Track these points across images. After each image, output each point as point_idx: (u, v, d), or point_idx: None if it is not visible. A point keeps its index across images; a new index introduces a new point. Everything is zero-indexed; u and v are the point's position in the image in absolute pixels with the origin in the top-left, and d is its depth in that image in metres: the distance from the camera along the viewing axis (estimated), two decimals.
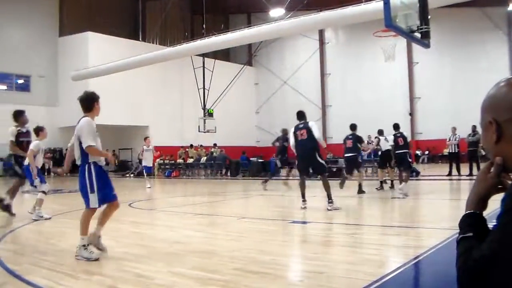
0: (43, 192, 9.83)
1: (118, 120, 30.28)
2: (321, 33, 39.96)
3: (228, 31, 23.05)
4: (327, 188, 10.07)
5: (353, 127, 14.69)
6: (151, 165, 18.92)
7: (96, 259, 5.67)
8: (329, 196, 10.04)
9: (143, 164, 18.95)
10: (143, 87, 32.55)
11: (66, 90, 30.32)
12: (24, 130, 10.39)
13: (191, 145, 31.58)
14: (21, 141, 10.26)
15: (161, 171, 30.06)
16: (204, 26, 30.95)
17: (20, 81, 32.53)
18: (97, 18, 32.89)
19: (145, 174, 18.82)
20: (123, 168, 33.37)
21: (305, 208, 10.17)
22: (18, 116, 10.49)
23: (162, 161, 30.02)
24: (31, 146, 9.82)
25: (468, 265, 1.31)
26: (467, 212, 1.52)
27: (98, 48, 30.52)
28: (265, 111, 43.22)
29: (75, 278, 5.02)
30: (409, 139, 14.61)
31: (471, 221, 1.48)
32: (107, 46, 30.83)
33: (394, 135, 14.10)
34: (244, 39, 21.87)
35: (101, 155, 6.06)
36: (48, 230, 8.66)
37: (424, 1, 7.60)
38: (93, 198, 5.84)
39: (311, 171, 11.05)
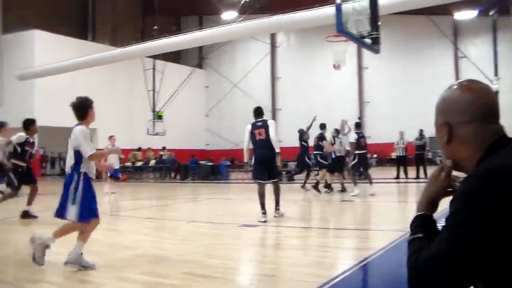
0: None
1: (64, 122, 29.31)
2: (272, 36, 40.15)
3: (180, 33, 22.88)
4: (277, 193, 9.44)
5: (321, 126, 14.95)
6: (117, 167, 17.09)
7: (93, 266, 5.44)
8: (277, 202, 9.42)
9: None
10: (91, 88, 31.62)
11: (11, 90, 29.38)
12: (31, 140, 10.17)
13: (139, 148, 31.20)
14: (25, 150, 10.02)
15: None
16: (155, 27, 30.59)
17: None
18: (44, 16, 32.00)
19: (108, 179, 17.20)
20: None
21: (265, 221, 8.87)
22: (30, 125, 10.21)
23: None
24: None
25: (418, 265, 1.34)
26: (418, 213, 1.56)
27: (45, 47, 29.64)
28: (215, 114, 43.11)
29: (18, 287, 4.86)
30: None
31: (422, 222, 1.52)
32: (55, 45, 30.01)
33: (357, 133, 13.94)
34: (195, 41, 21.69)
35: (104, 157, 5.81)
36: None
37: (375, 8, 7.71)
38: (72, 210, 5.43)
39: (267, 176, 9.34)
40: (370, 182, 14.00)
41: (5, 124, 9.94)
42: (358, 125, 14.37)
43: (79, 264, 5.38)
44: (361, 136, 13.92)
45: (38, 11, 31.97)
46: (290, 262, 5.76)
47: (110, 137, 16.90)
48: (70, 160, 5.66)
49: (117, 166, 16.56)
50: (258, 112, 9.61)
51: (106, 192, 16.23)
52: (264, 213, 9.00)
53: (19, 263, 5.61)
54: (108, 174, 16.96)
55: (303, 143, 16.27)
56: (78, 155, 5.57)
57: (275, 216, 9.28)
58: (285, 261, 5.91)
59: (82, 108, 5.82)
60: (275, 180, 9.48)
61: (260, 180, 9.27)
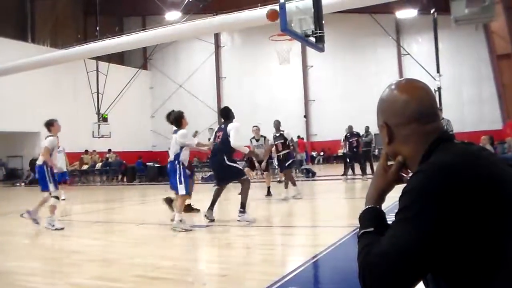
0: (56, 197, 9.15)
1: (6, 126, 28.84)
2: (216, 36, 40.17)
3: (123, 34, 22.55)
4: (243, 194, 8.73)
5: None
6: (65, 170, 15.66)
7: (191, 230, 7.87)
8: (242, 205, 8.61)
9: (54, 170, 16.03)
10: (33, 90, 31.06)
11: None
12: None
13: (86, 151, 30.61)
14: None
15: None
16: (97, 28, 30.02)
17: None
18: None
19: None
20: (12, 176, 31.78)
21: (212, 220, 8.88)
22: (181, 118, 9.84)
23: None
24: (46, 143, 9.06)
25: (369, 261, 1.35)
26: (367, 206, 1.56)
27: None
28: (161, 115, 42.62)
29: None
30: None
31: (371, 216, 1.52)
32: None
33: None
34: (139, 42, 21.45)
35: (198, 149, 9.27)
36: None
37: (319, 7, 7.81)
38: (182, 188, 8.00)
39: (221, 179, 9.17)
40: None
41: (55, 121, 9.63)
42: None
43: (183, 228, 7.84)
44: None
45: None
46: (242, 261, 5.82)
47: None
48: (174, 152, 8.22)
49: (64, 169, 15.91)
50: (222, 114, 9.60)
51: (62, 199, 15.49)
52: (210, 210, 8.91)
53: None
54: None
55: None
56: (181, 149, 8.20)
57: (238, 220, 8.58)
58: (236, 260, 5.94)
59: (178, 120, 8.59)
60: (239, 179, 8.86)
61: (214, 181, 9.40)
